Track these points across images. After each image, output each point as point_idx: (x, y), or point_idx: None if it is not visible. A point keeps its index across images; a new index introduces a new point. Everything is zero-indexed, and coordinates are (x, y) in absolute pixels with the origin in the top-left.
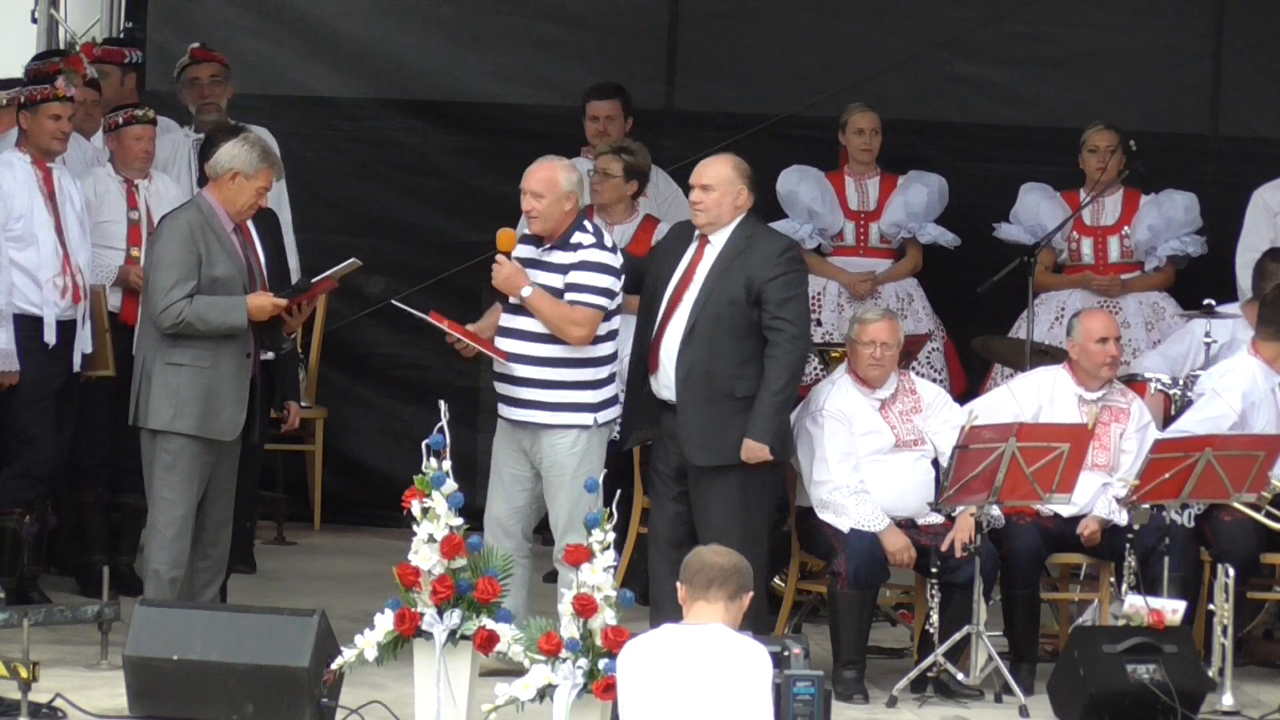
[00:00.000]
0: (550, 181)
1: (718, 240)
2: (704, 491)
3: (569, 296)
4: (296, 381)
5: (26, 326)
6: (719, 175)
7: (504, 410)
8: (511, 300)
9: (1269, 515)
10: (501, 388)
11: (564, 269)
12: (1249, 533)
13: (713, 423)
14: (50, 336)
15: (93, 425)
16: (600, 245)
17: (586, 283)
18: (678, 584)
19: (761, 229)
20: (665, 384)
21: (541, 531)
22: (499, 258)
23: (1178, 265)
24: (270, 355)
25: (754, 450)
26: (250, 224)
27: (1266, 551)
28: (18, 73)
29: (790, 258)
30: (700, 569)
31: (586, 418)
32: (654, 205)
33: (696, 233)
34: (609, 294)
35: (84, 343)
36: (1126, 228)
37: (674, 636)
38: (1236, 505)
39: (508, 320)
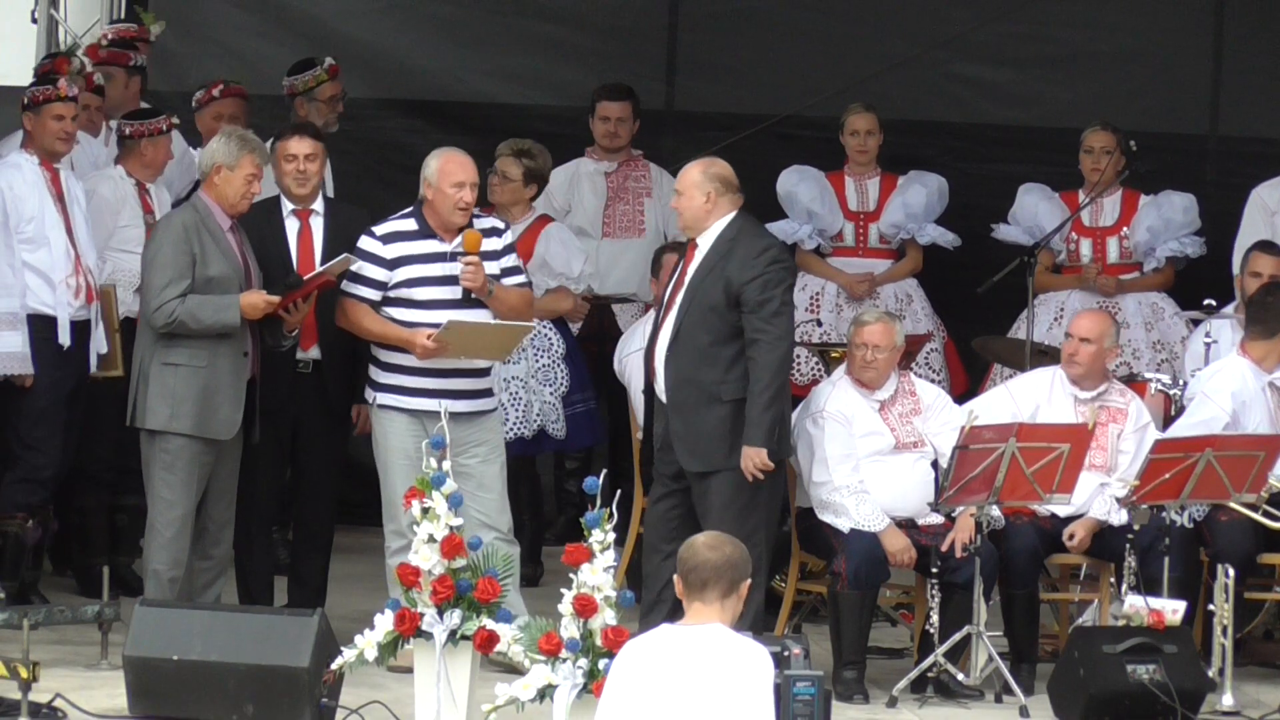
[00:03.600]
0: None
1: (704, 244)
2: (701, 496)
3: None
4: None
5: (40, 328)
6: (686, 179)
7: (434, 404)
8: (474, 296)
9: (1267, 515)
10: (442, 381)
11: (494, 255)
12: (1247, 533)
13: (701, 428)
14: (65, 338)
15: (98, 428)
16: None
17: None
18: (675, 577)
19: (747, 230)
20: (661, 389)
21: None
22: (472, 260)
23: (1176, 266)
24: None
25: (751, 456)
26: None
27: (1265, 552)
28: (17, 73)
29: (770, 258)
30: (693, 567)
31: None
32: (658, 207)
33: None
34: None
35: (99, 343)
36: (1125, 229)
37: (673, 637)
38: (1234, 505)
39: (460, 314)
